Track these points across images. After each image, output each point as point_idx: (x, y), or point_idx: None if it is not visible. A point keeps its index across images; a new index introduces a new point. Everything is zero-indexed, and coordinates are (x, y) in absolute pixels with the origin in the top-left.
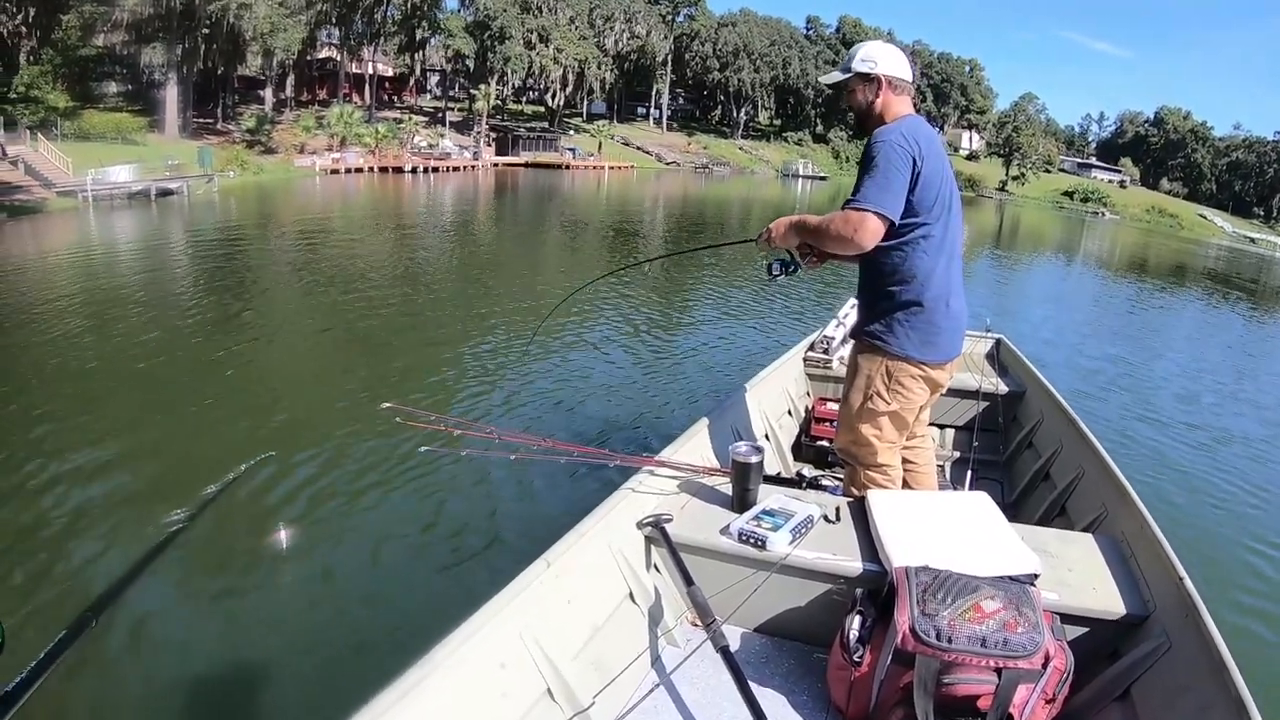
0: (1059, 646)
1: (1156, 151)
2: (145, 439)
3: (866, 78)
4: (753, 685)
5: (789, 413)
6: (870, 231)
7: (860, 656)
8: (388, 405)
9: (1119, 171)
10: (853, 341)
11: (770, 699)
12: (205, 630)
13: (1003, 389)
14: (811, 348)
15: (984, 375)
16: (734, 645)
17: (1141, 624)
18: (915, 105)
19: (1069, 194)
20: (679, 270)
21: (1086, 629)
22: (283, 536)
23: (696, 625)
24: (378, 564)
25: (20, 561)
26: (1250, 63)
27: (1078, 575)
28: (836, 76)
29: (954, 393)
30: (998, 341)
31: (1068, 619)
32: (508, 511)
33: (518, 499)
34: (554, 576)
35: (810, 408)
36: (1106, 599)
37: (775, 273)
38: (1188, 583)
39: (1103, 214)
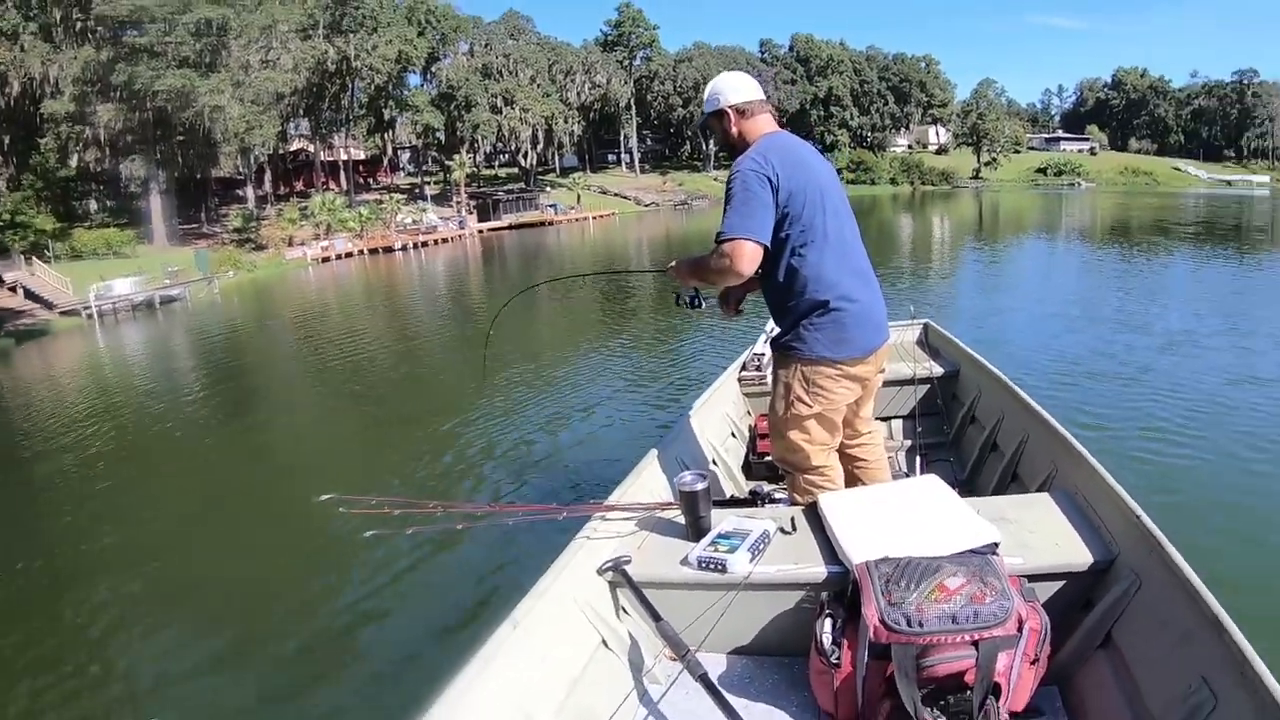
0: (1032, 608)
1: (1120, 113)
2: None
3: (717, 114)
4: (739, 706)
5: (733, 434)
6: (746, 258)
7: (837, 658)
8: (327, 497)
9: (1087, 140)
10: (774, 353)
11: (760, 716)
12: None
13: (937, 371)
14: (744, 367)
15: (917, 361)
16: (715, 671)
17: (1109, 569)
18: (777, 119)
19: (1042, 170)
20: (603, 313)
21: (1059, 585)
22: (243, 636)
23: (674, 659)
24: (342, 654)
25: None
26: (1194, 8)
27: (1039, 535)
28: (699, 121)
29: (890, 383)
30: (925, 326)
31: (1037, 579)
32: (464, 581)
33: (472, 567)
34: (522, 637)
35: (753, 426)
36: (1071, 552)
37: (680, 303)
38: (1146, 520)
39: (1079, 184)
